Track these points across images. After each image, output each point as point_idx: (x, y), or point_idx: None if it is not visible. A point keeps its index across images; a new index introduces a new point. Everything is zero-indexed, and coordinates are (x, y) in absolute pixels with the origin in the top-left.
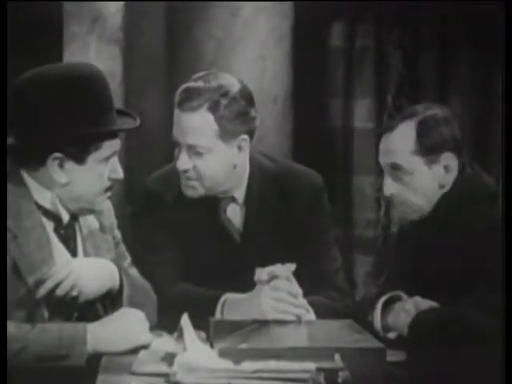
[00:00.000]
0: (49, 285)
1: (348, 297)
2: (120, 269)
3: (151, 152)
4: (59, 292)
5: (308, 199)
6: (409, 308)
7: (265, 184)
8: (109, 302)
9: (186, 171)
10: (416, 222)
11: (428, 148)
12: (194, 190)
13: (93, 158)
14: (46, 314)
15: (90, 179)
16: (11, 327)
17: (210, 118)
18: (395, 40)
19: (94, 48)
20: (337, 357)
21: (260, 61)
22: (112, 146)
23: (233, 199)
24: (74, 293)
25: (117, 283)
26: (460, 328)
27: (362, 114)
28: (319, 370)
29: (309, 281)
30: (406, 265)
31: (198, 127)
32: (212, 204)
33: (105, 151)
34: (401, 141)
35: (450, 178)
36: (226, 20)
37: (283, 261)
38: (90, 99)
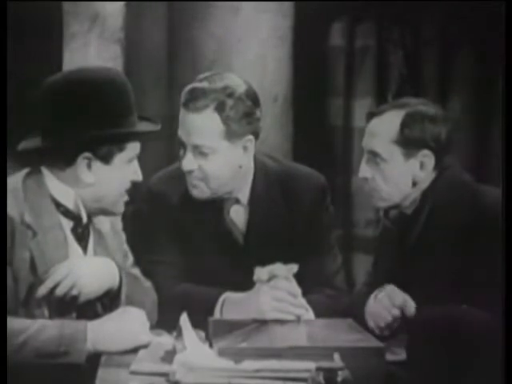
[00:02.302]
0: (49, 284)
1: (348, 296)
2: (120, 268)
3: (151, 151)
4: (59, 291)
5: (311, 200)
6: (381, 297)
7: (269, 185)
8: (108, 301)
9: (191, 172)
10: (399, 221)
11: (408, 140)
12: (199, 190)
13: (118, 159)
14: (46, 313)
15: (114, 180)
16: (13, 322)
17: (216, 118)
18: (396, 39)
19: (94, 48)
20: (336, 356)
21: (260, 60)
22: (134, 148)
23: (237, 201)
24: (74, 292)
25: (116, 282)
26: (459, 328)
27: (362, 114)
28: (319, 369)
29: (310, 280)
30: (393, 264)
31: (204, 127)
32: (216, 205)
33: (129, 153)
34: (385, 126)
35: (423, 176)
36: (226, 19)
37: (285, 261)
38: (116, 102)
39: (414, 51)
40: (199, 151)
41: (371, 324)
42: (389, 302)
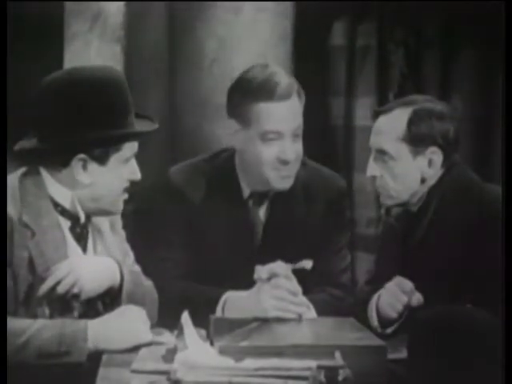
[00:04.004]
0: (50, 282)
1: (352, 296)
2: (121, 266)
3: (151, 151)
4: (60, 289)
5: (331, 201)
6: (389, 286)
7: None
8: (109, 299)
9: (288, 162)
10: (404, 218)
11: (416, 138)
12: (288, 179)
13: (114, 160)
14: (47, 312)
15: (111, 180)
16: (14, 323)
17: (297, 103)
18: (397, 38)
19: (94, 47)
20: (337, 354)
21: (261, 60)
22: (131, 147)
23: (264, 196)
24: (75, 290)
25: (117, 281)
26: (461, 327)
27: (363, 113)
28: (320, 367)
29: (317, 279)
30: (395, 262)
31: (293, 112)
32: (242, 200)
33: (125, 152)
34: (392, 124)
35: (431, 173)
36: (227, 19)
37: (297, 258)
38: (113, 101)
39: (415, 50)
40: (295, 135)
41: (376, 322)
42: (398, 289)
